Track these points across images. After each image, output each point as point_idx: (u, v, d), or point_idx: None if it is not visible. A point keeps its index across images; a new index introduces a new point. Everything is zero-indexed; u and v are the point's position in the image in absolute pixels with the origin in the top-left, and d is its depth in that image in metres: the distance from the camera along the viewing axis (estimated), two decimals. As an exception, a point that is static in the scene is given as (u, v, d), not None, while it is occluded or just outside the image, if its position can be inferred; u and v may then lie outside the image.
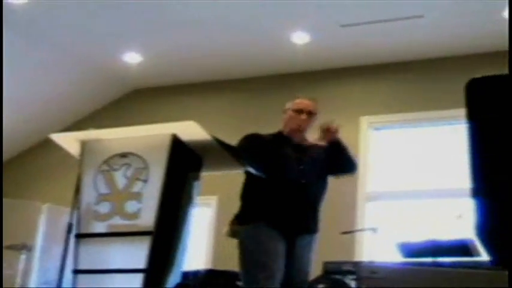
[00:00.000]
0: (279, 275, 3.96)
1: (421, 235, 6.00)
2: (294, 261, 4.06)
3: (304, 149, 4.29)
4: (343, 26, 6.96)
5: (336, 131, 4.23)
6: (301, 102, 4.41)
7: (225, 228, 4.27)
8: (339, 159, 4.30)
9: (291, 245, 4.04)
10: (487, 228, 2.01)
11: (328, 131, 4.22)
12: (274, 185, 4.13)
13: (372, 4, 6.55)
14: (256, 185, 4.20)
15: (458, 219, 5.94)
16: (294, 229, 4.08)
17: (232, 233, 4.21)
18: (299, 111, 4.34)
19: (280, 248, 4.00)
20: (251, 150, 4.20)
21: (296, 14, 6.85)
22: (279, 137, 4.36)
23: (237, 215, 4.23)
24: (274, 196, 4.11)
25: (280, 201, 4.09)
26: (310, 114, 4.35)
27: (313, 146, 4.35)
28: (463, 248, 5.37)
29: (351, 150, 4.38)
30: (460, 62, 7.29)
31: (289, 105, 4.43)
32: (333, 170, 4.34)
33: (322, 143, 4.29)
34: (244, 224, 4.15)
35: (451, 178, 6.87)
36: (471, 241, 5.20)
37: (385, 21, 6.83)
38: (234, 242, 6.62)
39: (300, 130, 4.33)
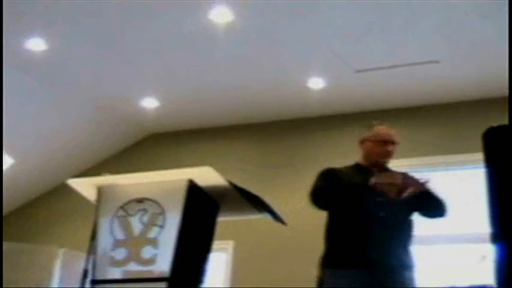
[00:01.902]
0: None
1: (441, 281, 5.94)
2: None
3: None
4: (358, 71, 6.98)
5: (420, 185, 3.94)
6: (386, 132, 4.18)
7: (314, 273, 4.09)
8: (427, 206, 4.10)
9: (382, 285, 3.81)
10: (507, 275, 1.99)
11: (414, 185, 3.93)
12: (350, 221, 3.94)
13: (387, 49, 6.58)
14: (334, 223, 4.04)
15: (481, 261, 5.87)
16: (382, 267, 3.84)
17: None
18: (384, 142, 4.14)
19: None
20: (328, 188, 4.03)
21: (311, 60, 6.88)
22: (357, 168, 4.15)
23: (321, 256, 4.08)
24: (350, 234, 3.92)
25: (357, 238, 3.89)
26: (394, 144, 4.16)
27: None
28: (482, 295, 5.29)
29: (439, 196, 4.15)
30: (476, 106, 7.28)
31: (367, 135, 4.21)
32: (421, 213, 4.14)
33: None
34: (325, 267, 3.99)
35: (471, 223, 6.81)
36: (492, 287, 5.13)
37: (401, 66, 6.84)
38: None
39: (387, 162, 4.14)
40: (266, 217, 4.29)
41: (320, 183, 4.13)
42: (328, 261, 4.00)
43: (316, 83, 7.36)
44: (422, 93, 7.46)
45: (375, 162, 4.16)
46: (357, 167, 4.21)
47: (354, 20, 6.11)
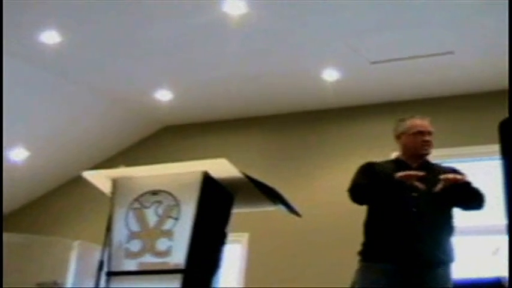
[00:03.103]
0: None
1: (454, 273, 5.91)
2: None
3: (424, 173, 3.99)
4: (373, 62, 6.96)
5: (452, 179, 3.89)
6: (421, 123, 4.16)
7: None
8: (464, 199, 4.04)
9: (414, 281, 3.80)
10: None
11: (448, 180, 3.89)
12: (385, 216, 3.95)
13: (402, 41, 6.55)
14: (371, 218, 4.06)
15: (495, 254, 5.84)
16: (413, 263, 3.84)
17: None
18: (421, 133, 4.12)
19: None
20: (366, 185, 4.03)
21: (326, 51, 6.87)
22: (397, 163, 4.14)
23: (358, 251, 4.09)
24: (384, 229, 3.94)
25: (390, 234, 3.90)
26: (431, 134, 4.16)
27: (435, 169, 4.12)
28: (497, 286, 5.27)
29: (477, 188, 4.09)
30: (492, 97, 7.23)
31: (402, 129, 4.19)
32: (457, 204, 4.08)
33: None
34: (361, 261, 4.00)
35: (485, 215, 6.78)
36: (505, 279, 5.11)
37: (415, 57, 6.82)
38: (264, 281, 6.56)
39: (428, 152, 4.13)
40: (281, 209, 4.30)
41: (359, 179, 4.11)
42: (364, 255, 4.01)
43: (331, 75, 7.34)
44: (437, 85, 7.43)
45: (416, 154, 4.14)
46: (397, 161, 4.20)
47: (369, 12, 6.09)
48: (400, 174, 3.84)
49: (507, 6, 5.66)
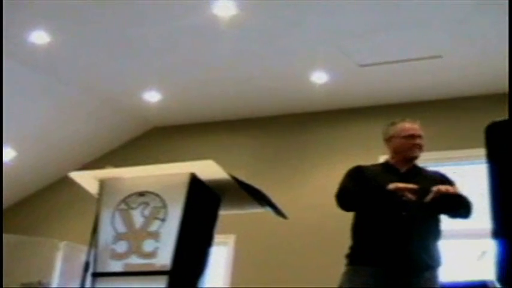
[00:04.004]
0: None
1: (441, 276, 5.92)
2: None
3: (412, 177, 4.00)
4: (361, 65, 6.97)
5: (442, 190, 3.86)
6: (412, 127, 4.14)
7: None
8: (453, 208, 4.02)
9: (401, 284, 3.79)
10: (507, 270, 1.98)
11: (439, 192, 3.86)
12: (374, 220, 3.93)
13: (391, 44, 6.57)
14: (359, 221, 4.03)
15: (481, 257, 5.86)
16: (401, 266, 3.83)
17: None
18: (412, 136, 4.10)
19: None
20: (354, 191, 4.01)
21: (315, 54, 6.87)
22: (386, 167, 4.14)
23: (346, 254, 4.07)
24: (373, 232, 3.92)
25: (379, 238, 3.89)
26: (421, 137, 4.14)
27: (423, 173, 4.13)
28: (483, 290, 5.28)
29: (466, 198, 4.05)
30: (479, 101, 7.27)
31: (392, 132, 4.16)
32: (445, 213, 4.07)
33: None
34: (348, 264, 3.98)
35: (473, 218, 6.80)
36: (491, 282, 5.13)
37: (404, 61, 6.83)
38: (250, 283, 6.55)
39: (418, 156, 4.12)
40: (267, 211, 4.30)
41: (347, 184, 4.09)
42: (351, 259, 4.00)
43: (319, 78, 7.34)
44: (425, 88, 7.44)
45: (406, 157, 4.13)
46: (385, 165, 4.19)
47: (358, 15, 6.10)
48: (391, 186, 3.82)
49: (499, 9, 5.69)
